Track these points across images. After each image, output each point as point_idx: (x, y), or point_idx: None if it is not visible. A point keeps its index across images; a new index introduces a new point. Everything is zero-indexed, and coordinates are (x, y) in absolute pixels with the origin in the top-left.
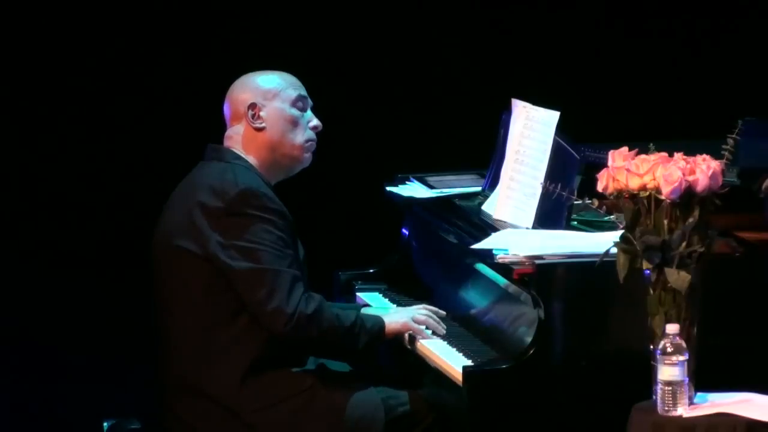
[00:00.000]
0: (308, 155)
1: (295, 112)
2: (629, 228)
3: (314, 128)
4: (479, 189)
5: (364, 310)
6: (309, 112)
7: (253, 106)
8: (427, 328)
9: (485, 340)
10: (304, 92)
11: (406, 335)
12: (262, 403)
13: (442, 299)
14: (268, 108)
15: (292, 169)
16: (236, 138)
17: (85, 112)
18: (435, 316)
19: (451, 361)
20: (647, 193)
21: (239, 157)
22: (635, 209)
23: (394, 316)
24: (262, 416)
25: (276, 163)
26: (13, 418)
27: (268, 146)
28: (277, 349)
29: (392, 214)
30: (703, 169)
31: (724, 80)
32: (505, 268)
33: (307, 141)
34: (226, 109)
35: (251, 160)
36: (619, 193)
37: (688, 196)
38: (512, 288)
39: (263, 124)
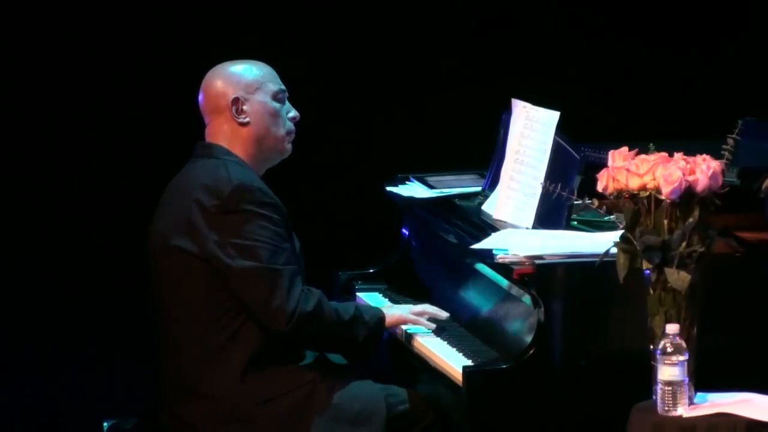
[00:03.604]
0: (289, 146)
1: (276, 104)
2: (629, 228)
3: (293, 119)
4: (479, 189)
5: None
6: (287, 104)
7: (236, 100)
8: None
9: (485, 340)
10: (282, 85)
11: (404, 335)
12: (262, 398)
13: (442, 299)
14: (251, 102)
15: (274, 161)
16: (221, 135)
17: (76, 110)
18: (432, 308)
19: (451, 361)
20: (647, 193)
21: (229, 153)
22: (635, 209)
23: (393, 308)
24: (262, 411)
25: (261, 156)
26: (13, 418)
27: (252, 140)
28: (276, 345)
29: (392, 214)
30: (703, 169)
31: (724, 80)
32: (505, 268)
33: (288, 133)
34: (203, 102)
35: (238, 154)
36: (619, 193)
37: (688, 196)
38: (512, 288)
39: (247, 119)
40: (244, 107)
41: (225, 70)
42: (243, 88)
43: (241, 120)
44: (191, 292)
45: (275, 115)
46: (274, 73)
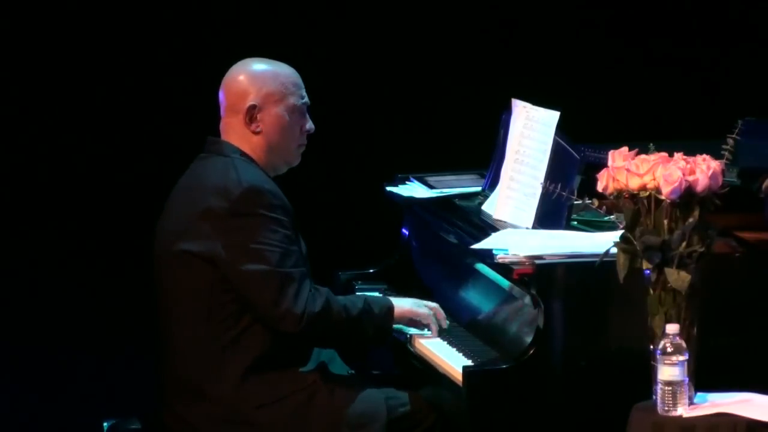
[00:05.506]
0: (298, 158)
1: (292, 119)
2: (629, 228)
3: (307, 131)
4: (479, 189)
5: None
6: (306, 115)
7: (252, 108)
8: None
9: (485, 340)
10: (306, 97)
11: (405, 335)
12: (264, 401)
13: (442, 299)
14: (267, 112)
15: (281, 170)
16: (232, 134)
17: (81, 107)
18: (440, 312)
19: (451, 361)
20: (647, 193)
21: (238, 151)
22: (635, 209)
23: (403, 300)
24: (263, 414)
25: (268, 162)
26: (14, 418)
27: (262, 148)
28: (279, 348)
29: (392, 214)
30: (703, 169)
31: (724, 80)
32: (505, 268)
33: (299, 146)
34: (223, 97)
35: (248, 153)
36: (619, 193)
37: (688, 196)
38: (512, 288)
39: (259, 129)
40: (258, 116)
41: (251, 69)
42: (263, 96)
43: (253, 129)
44: (195, 294)
45: (288, 130)
46: (300, 84)
